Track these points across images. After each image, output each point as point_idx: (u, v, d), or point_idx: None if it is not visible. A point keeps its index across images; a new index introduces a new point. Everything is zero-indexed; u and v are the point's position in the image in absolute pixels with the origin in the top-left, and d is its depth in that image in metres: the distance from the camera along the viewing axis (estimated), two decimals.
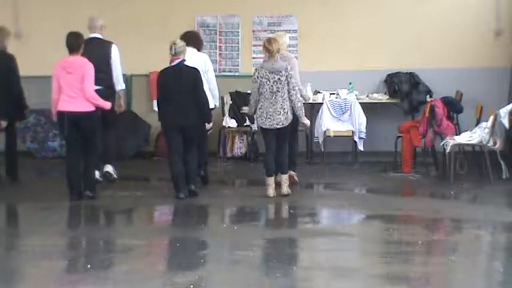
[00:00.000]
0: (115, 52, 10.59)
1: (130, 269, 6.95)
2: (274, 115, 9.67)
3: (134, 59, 11.76)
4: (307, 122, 10.13)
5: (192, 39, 10.40)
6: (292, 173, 10.35)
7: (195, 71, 9.78)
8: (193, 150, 9.84)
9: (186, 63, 9.80)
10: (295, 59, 10.66)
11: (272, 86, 9.65)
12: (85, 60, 9.62)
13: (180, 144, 9.73)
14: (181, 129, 9.70)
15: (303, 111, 9.89)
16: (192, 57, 10.14)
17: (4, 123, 10.64)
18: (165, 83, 9.75)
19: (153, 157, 12.80)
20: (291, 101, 9.70)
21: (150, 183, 11.32)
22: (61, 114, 9.56)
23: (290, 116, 9.73)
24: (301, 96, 10.07)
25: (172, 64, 9.79)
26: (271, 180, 9.78)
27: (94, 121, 9.65)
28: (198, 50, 10.47)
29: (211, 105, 10.31)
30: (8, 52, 10.76)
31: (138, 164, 12.37)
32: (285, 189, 9.79)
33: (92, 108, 9.58)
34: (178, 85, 9.67)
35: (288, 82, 9.66)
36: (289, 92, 9.68)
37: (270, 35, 11.98)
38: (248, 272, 6.84)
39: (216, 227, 8.69)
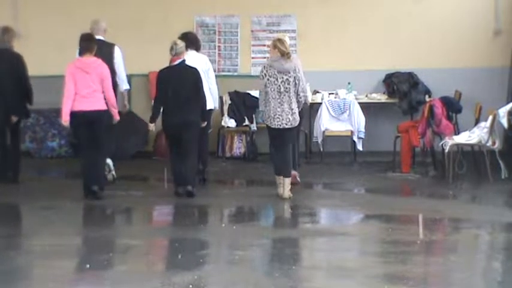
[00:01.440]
0: (118, 54, 10.76)
1: (130, 269, 6.97)
2: (283, 115, 9.67)
3: (133, 59, 11.75)
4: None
5: (192, 40, 10.53)
6: (294, 172, 10.38)
7: (195, 71, 9.91)
8: (192, 150, 9.88)
9: (186, 63, 9.90)
10: (299, 60, 10.68)
11: (280, 86, 9.65)
12: (101, 61, 9.77)
13: (180, 142, 9.81)
14: (181, 127, 9.77)
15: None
16: (193, 58, 10.27)
17: (15, 119, 10.73)
18: (167, 82, 9.83)
19: (152, 157, 12.80)
20: (298, 102, 9.73)
21: (149, 183, 11.31)
22: (76, 114, 9.63)
23: (297, 117, 9.75)
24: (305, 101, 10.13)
25: (174, 64, 9.89)
26: (281, 179, 9.77)
27: (107, 119, 9.78)
28: (197, 51, 10.55)
29: (211, 106, 10.43)
30: (15, 51, 10.88)
31: (137, 164, 12.37)
32: (287, 193, 9.72)
33: (106, 107, 9.73)
34: (180, 84, 9.78)
35: (296, 83, 9.68)
36: (297, 94, 9.70)
37: (269, 35, 12.05)
38: (247, 272, 6.85)
39: (215, 227, 8.71)
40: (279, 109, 9.67)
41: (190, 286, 6.26)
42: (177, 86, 9.77)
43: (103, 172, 10.11)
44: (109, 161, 10.82)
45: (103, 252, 7.40)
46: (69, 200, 9.79)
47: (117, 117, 9.90)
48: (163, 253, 7.81)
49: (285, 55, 9.64)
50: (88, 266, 6.94)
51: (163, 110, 9.92)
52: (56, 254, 7.41)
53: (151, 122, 10.08)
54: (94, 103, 9.65)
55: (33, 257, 7.43)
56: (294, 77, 9.66)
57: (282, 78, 9.63)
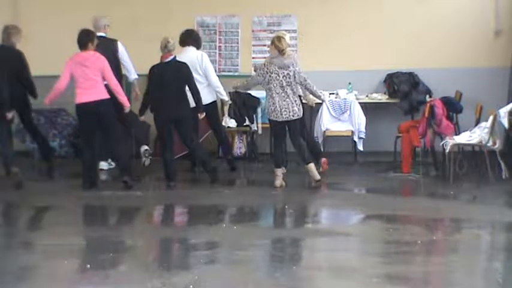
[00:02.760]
0: (121, 48, 11.30)
1: (130, 269, 6.96)
2: (289, 107, 10.17)
3: (134, 59, 11.75)
4: (326, 98, 11.23)
5: (195, 38, 11.21)
6: (324, 159, 11.29)
7: (186, 66, 10.36)
8: (191, 137, 10.44)
9: (180, 59, 10.41)
10: (295, 56, 11.03)
11: (282, 80, 10.14)
12: (99, 54, 10.15)
13: (172, 136, 10.34)
14: (175, 121, 10.26)
15: (320, 92, 10.77)
16: (190, 55, 10.86)
17: (10, 115, 10.72)
18: (159, 79, 10.21)
19: (153, 157, 12.78)
20: (308, 90, 10.45)
21: (149, 183, 11.29)
22: (79, 106, 10.09)
23: (301, 108, 10.30)
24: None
25: (166, 60, 10.29)
26: (279, 172, 10.30)
27: (110, 108, 10.10)
28: (198, 49, 11.13)
29: (212, 99, 11.12)
30: (17, 48, 10.98)
31: (137, 164, 12.35)
32: (317, 175, 10.28)
33: (107, 96, 10.09)
34: (172, 81, 10.21)
35: (296, 77, 10.16)
36: (303, 84, 10.30)
37: (270, 35, 12.07)
38: (248, 272, 6.84)
39: (216, 227, 8.69)
40: (284, 102, 10.16)
41: (191, 286, 6.25)
42: (168, 82, 10.19)
43: (126, 159, 10.49)
44: (104, 164, 11.07)
45: (103, 252, 7.39)
46: (69, 200, 9.80)
47: (127, 105, 10.29)
48: (163, 253, 7.80)
49: (281, 52, 10.12)
50: (88, 266, 6.94)
51: (155, 106, 10.37)
52: (56, 254, 7.41)
53: (140, 115, 10.63)
54: (95, 94, 10.01)
55: (34, 257, 7.42)
56: (294, 71, 10.14)
57: (283, 73, 10.12)
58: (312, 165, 10.29)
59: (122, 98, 10.23)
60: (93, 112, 9.99)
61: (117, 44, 11.21)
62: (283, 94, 10.14)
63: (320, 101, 11.46)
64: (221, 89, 11.25)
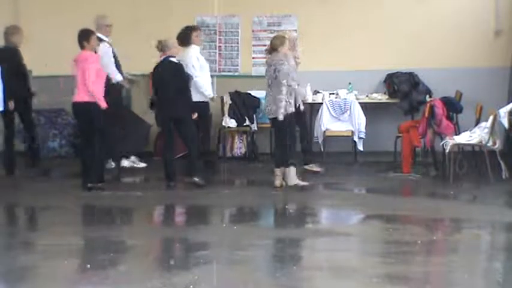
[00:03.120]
0: (101, 50, 10.96)
1: (130, 269, 6.96)
2: (270, 105, 10.11)
3: (134, 59, 11.78)
4: (280, 118, 9.99)
5: (189, 38, 11.24)
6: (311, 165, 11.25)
7: (179, 65, 10.43)
8: (192, 138, 10.36)
9: (171, 59, 10.41)
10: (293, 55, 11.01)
11: (269, 78, 10.14)
12: (88, 54, 10.10)
13: (172, 135, 10.42)
14: (174, 120, 10.33)
15: (281, 105, 9.91)
16: (184, 54, 11.02)
17: (12, 105, 10.84)
18: (160, 77, 10.35)
19: (153, 157, 12.79)
20: (281, 90, 9.94)
21: (150, 183, 11.31)
22: (73, 105, 10.24)
23: (292, 106, 10.09)
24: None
25: (160, 60, 10.43)
26: (278, 171, 10.18)
27: (94, 110, 9.99)
28: (185, 46, 11.17)
29: (198, 98, 11.01)
30: (13, 47, 11.09)
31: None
32: (292, 181, 10.10)
33: (92, 99, 10.02)
34: (170, 79, 10.26)
35: (276, 76, 10.01)
36: (279, 84, 10.01)
37: (270, 35, 12.09)
38: (248, 272, 6.84)
39: (216, 227, 8.70)
40: (268, 99, 10.22)
41: (191, 286, 6.25)
42: (167, 82, 10.27)
43: (102, 166, 10.40)
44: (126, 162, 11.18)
45: (103, 252, 7.39)
46: (69, 200, 9.80)
47: (103, 105, 10.02)
48: (163, 253, 7.79)
49: (269, 52, 10.20)
50: (88, 266, 6.93)
51: (156, 105, 10.54)
52: (56, 254, 7.40)
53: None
54: (81, 94, 10.03)
55: (34, 257, 7.41)
56: (275, 69, 10.00)
57: (270, 70, 10.12)
58: (292, 169, 10.10)
59: (100, 100, 10.01)
60: (85, 112, 10.03)
61: (100, 46, 10.90)
62: (270, 92, 10.10)
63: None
64: (204, 89, 11.19)
